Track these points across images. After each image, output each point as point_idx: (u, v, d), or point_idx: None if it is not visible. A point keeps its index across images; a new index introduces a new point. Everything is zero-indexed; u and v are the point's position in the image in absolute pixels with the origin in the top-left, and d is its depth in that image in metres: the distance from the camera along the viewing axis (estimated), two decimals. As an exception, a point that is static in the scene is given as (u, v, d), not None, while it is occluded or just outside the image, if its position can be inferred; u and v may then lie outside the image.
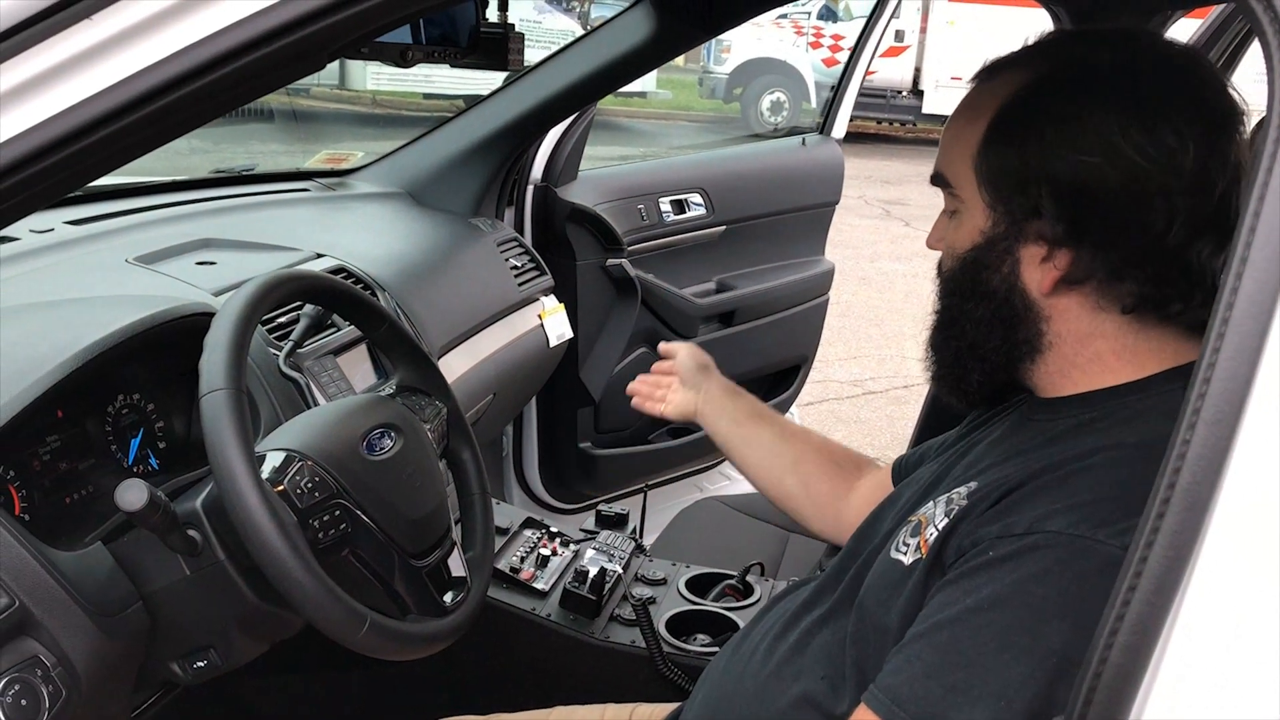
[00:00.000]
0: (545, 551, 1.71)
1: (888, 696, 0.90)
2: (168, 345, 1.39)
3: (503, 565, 1.64)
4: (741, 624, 1.61)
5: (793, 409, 3.30)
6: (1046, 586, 0.85)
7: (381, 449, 1.21)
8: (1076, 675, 0.66)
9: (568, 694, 1.59)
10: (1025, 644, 0.84)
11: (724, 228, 2.92)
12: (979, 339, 1.03)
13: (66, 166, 0.70)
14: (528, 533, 1.78)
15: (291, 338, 1.48)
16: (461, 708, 1.48)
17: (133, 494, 1.01)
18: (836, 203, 3.18)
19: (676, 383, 1.59)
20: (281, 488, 1.09)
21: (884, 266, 7.37)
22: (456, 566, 1.28)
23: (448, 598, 1.23)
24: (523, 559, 1.69)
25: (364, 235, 2.11)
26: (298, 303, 1.54)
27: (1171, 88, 0.95)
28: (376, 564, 1.16)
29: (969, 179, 1.01)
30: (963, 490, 1.00)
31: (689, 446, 2.93)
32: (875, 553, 1.09)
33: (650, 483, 2.98)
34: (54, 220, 1.78)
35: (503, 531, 1.76)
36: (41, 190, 0.70)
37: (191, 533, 1.11)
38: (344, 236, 2.03)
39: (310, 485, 1.11)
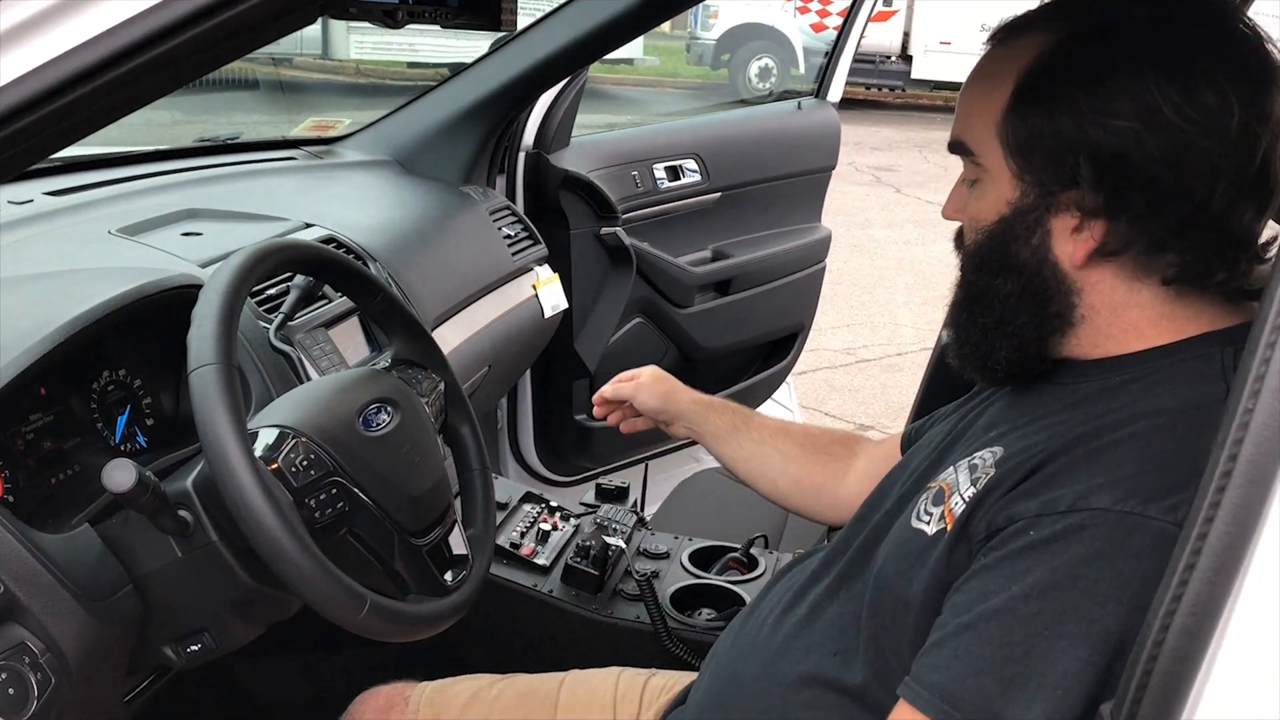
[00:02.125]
0: (545, 526, 1.67)
1: (937, 695, 0.85)
2: (154, 319, 1.34)
3: (502, 541, 1.61)
4: (747, 597, 1.58)
5: (789, 378, 3.26)
6: (1099, 568, 0.80)
7: (378, 424, 1.17)
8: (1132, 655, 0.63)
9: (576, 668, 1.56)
10: (1082, 630, 0.80)
11: (719, 194, 2.87)
12: (1007, 315, 0.97)
13: (50, 123, 0.65)
14: (527, 507, 1.75)
15: (282, 310, 1.43)
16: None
17: (120, 474, 0.97)
18: (833, 167, 3.14)
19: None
20: (276, 466, 1.05)
21: (875, 234, 7.33)
22: (458, 544, 1.24)
23: (449, 576, 1.19)
24: (523, 534, 1.65)
25: (353, 204, 2.05)
26: (287, 274, 1.49)
27: (1208, 43, 0.90)
28: (375, 543, 1.12)
29: (993, 147, 0.95)
30: (987, 456, 0.95)
31: (686, 417, 2.89)
32: (889, 519, 1.06)
33: (648, 454, 2.97)
34: (32, 191, 1.73)
35: (501, 506, 1.72)
36: (26, 149, 0.65)
37: (183, 513, 1.07)
38: (333, 206, 1.98)
39: (305, 463, 1.07)
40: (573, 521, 1.73)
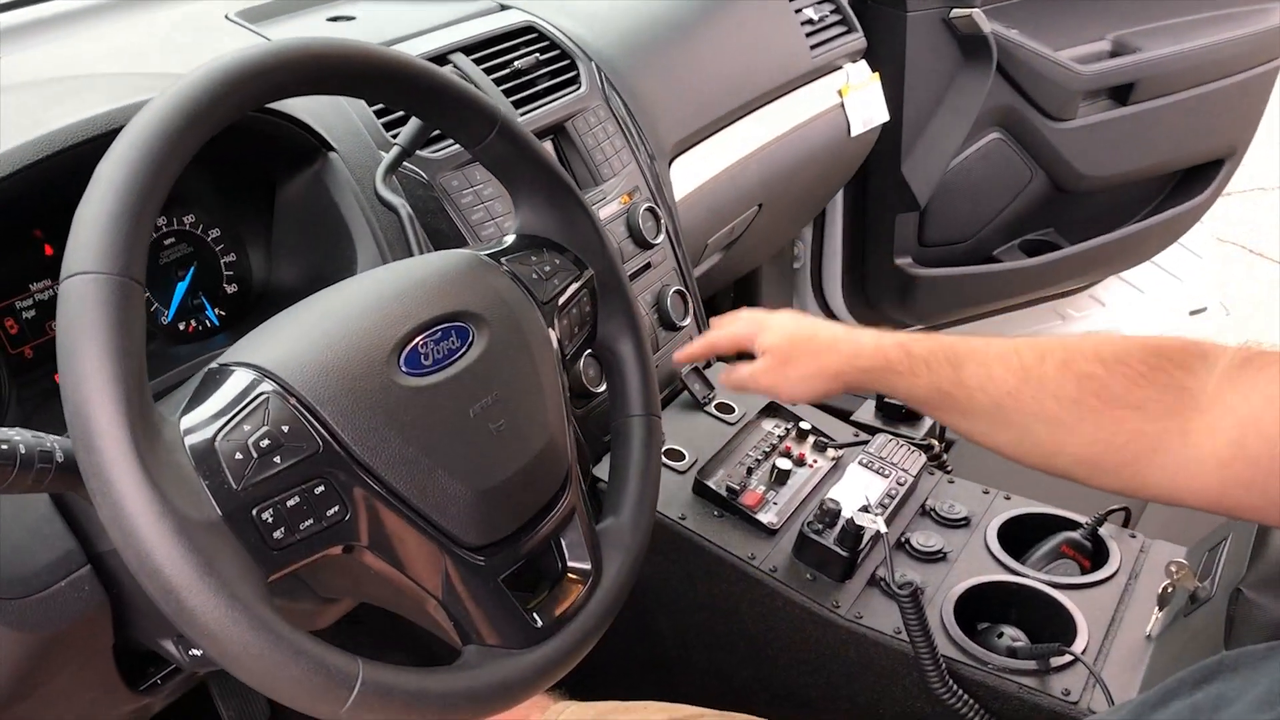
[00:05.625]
0: (785, 463, 1.16)
1: None
2: (245, 144, 0.95)
3: (716, 481, 1.12)
4: (1081, 621, 1.01)
5: (1204, 218, 2.44)
6: None
7: (435, 361, 0.70)
8: None
9: (808, 686, 1.09)
10: None
11: (1130, -41, 2.06)
12: None
13: None
14: (768, 425, 1.23)
15: (398, 142, 0.97)
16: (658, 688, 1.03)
17: None
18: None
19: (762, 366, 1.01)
20: (212, 445, 0.61)
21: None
22: (575, 545, 0.77)
23: (542, 614, 0.73)
24: (750, 471, 1.15)
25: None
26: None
27: None
28: (407, 567, 0.68)
29: None
30: None
31: (1049, 268, 2.20)
32: None
33: (990, 310, 2.34)
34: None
35: (728, 416, 1.22)
36: None
37: None
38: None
39: (270, 442, 0.62)
40: (830, 454, 1.20)
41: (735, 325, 1.05)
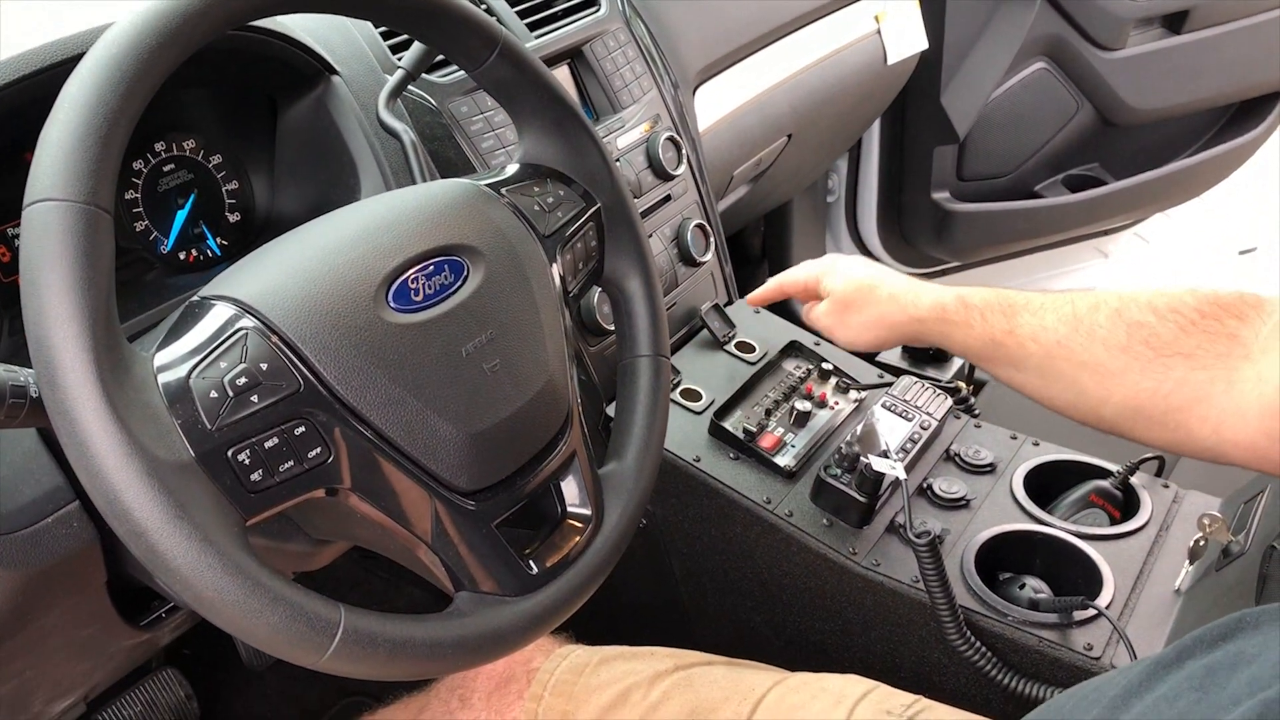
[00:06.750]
0: (806, 404, 1.12)
1: None
2: (245, 64, 0.91)
3: (733, 424, 1.08)
4: (1107, 572, 0.98)
5: (1258, 154, 2.34)
6: None
7: (423, 297, 0.67)
8: None
9: (822, 633, 1.06)
10: None
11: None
12: None
13: None
14: (789, 366, 1.19)
15: (402, 65, 0.93)
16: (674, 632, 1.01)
17: None
18: None
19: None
20: (186, 383, 0.58)
21: None
22: (575, 491, 0.75)
23: (538, 560, 0.71)
24: (769, 412, 1.12)
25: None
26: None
27: None
28: (391, 509, 0.65)
29: None
30: None
31: (1093, 205, 2.12)
32: None
33: (1029, 248, 2.27)
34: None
35: (750, 356, 1.19)
36: None
37: None
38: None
39: (247, 380, 0.59)
40: (853, 396, 1.16)
41: (806, 266, 1.06)
